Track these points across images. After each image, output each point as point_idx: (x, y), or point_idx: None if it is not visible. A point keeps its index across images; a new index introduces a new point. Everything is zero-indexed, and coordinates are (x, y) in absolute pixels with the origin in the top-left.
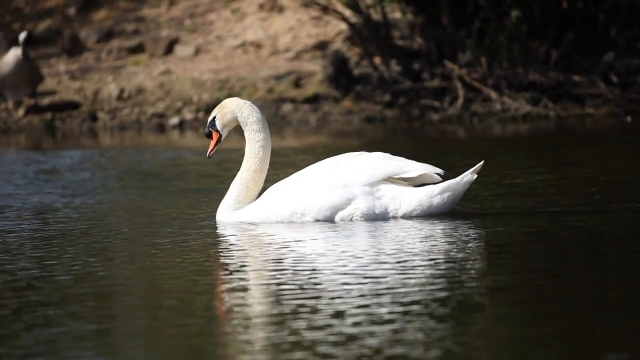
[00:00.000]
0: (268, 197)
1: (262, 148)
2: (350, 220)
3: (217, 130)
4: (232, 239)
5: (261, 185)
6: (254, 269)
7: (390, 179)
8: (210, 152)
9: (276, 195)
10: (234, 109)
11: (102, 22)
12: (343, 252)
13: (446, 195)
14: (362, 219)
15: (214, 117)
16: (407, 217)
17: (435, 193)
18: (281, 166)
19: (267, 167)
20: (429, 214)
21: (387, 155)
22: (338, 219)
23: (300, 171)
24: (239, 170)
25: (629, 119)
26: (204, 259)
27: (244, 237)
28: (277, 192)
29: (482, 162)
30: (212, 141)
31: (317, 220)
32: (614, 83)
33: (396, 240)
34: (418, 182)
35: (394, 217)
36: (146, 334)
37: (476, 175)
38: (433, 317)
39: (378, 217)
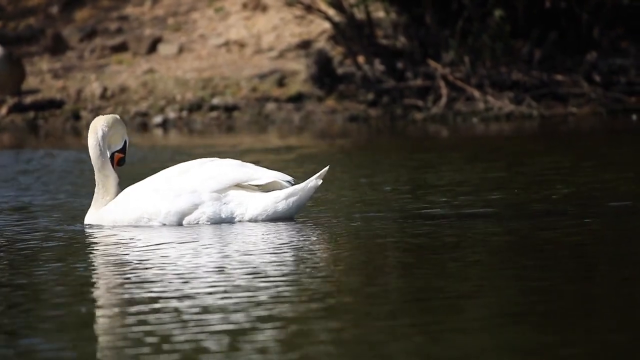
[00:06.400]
0: (118, 201)
1: (98, 161)
2: (197, 224)
3: (114, 154)
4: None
5: (113, 191)
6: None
7: (241, 186)
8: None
9: (125, 199)
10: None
11: (85, 21)
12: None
13: (291, 200)
14: (208, 223)
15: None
16: (253, 221)
17: (281, 198)
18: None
19: (111, 175)
20: (275, 219)
21: (238, 162)
22: (185, 223)
23: (151, 176)
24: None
25: (634, 117)
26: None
27: (88, 239)
28: (126, 196)
29: (327, 167)
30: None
31: (164, 225)
32: (596, 82)
33: (240, 243)
34: (270, 189)
35: (240, 222)
36: None
37: (321, 181)
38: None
39: (224, 222)
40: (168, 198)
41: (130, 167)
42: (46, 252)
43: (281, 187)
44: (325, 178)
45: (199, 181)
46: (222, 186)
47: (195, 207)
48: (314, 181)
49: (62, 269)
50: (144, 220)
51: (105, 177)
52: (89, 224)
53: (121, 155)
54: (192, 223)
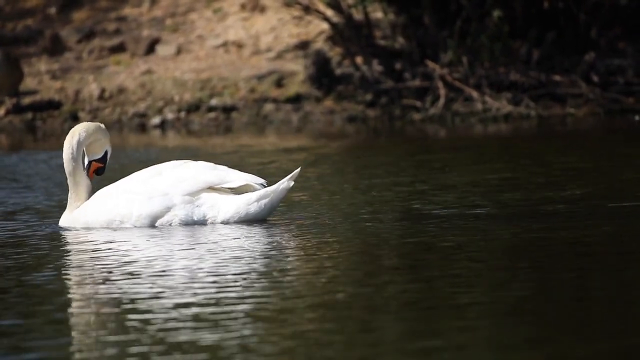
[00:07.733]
0: (90, 203)
1: (69, 165)
2: (169, 226)
3: (91, 162)
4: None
5: (84, 197)
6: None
7: (213, 188)
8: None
9: (97, 202)
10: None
11: (83, 22)
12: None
13: (263, 202)
14: (181, 225)
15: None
16: (225, 223)
17: (253, 200)
18: (261, 171)
19: (82, 181)
20: (248, 221)
21: (211, 164)
22: (157, 225)
23: (124, 178)
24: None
25: (637, 117)
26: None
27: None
28: (99, 199)
29: (299, 168)
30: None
31: (136, 227)
32: (594, 83)
33: (211, 245)
34: (242, 192)
35: (213, 224)
36: None
37: (293, 183)
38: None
39: (196, 224)
40: (140, 200)
41: (132, 168)
42: (21, 254)
43: (254, 190)
44: (324, 179)
45: (171, 184)
46: (195, 189)
47: (168, 209)
48: (285, 183)
49: (42, 271)
50: (116, 222)
51: (75, 183)
52: (62, 227)
53: (99, 164)
54: (165, 225)
